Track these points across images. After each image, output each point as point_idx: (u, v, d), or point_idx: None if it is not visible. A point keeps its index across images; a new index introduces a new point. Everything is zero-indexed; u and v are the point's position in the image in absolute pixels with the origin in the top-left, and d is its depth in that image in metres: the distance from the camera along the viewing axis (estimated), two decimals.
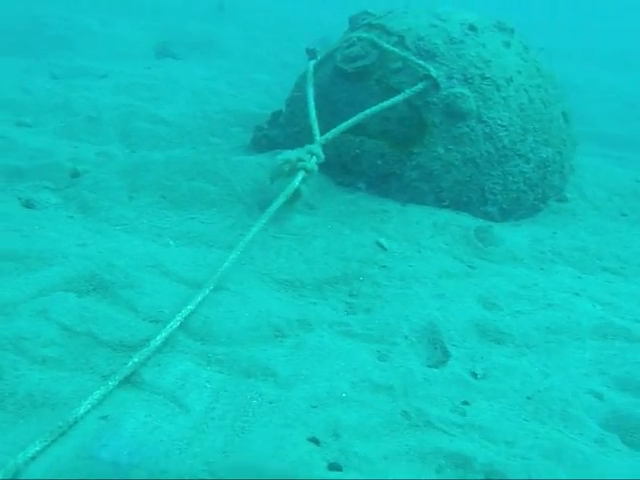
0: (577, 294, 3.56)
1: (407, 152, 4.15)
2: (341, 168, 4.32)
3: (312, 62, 4.79)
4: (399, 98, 4.10)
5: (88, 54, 8.11)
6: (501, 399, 2.70)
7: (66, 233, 3.43)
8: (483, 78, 4.22)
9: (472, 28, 4.42)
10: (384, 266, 3.62)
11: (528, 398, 2.73)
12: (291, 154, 3.90)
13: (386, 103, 4.10)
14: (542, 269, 3.81)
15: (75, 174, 4.16)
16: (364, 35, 4.48)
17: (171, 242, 3.65)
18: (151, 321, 2.83)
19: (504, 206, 4.24)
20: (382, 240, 3.78)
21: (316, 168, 3.89)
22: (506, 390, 2.76)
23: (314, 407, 2.48)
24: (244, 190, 4.11)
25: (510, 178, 4.22)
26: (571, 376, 2.89)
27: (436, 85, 4.14)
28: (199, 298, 2.92)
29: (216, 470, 2.09)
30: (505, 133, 4.18)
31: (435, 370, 2.83)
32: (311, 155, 3.90)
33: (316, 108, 4.38)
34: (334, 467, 2.22)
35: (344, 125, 4.09)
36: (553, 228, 4.27)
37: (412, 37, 4.36)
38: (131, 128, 5.37)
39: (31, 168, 4.23)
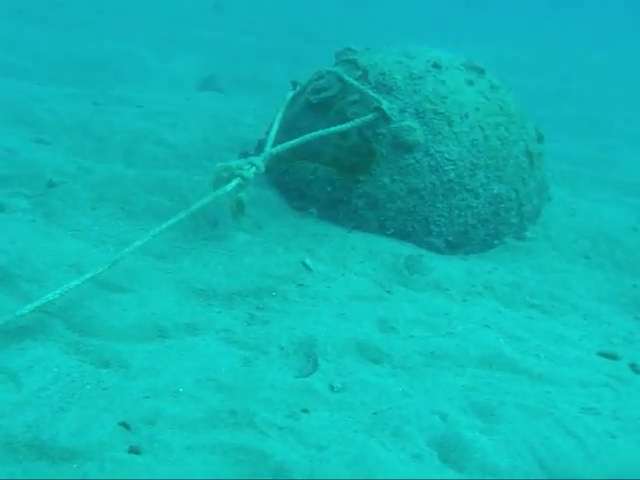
0: (487, 326, 3.57)
1: (354, 180, 4.29)
2: (297, 193, 4.51)
3: (290, 93, 5.04)
4: (347, 126, 4.27)
5: (137, 86, 8.63)
6: (344, 411, 2.78)
7: (8, 232, 3.77)
8: (436, 113, 4.32)
9: (436, 66, 4.54)
10: (301, 284, 3.75)
11: (374, 414, 2.80)
12: (233, 162, 4.12)
13: (333, 129, 4.28)
14: (465, 301, 3.84)
15: (51, 184, 4.53)
16: (332, 69, 4.69)
17: (111, 248, 3.92)
18: (40, 312, 3.07)
19: (450, 239, 4.29)
20: (308, 261, 3.92)
21: (252, 177, 4.07)
22: (355, 404, 2.84)
23: (146, 397, 2.65)
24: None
25: (456, 211, 4.27)
26: (432, 398, 2.93)
27: (386, 117, 4.28)
28: (76, 282, 3.13)
29: (12, 442, 2.30)
30: (452, 167, 4.25)
31: (294, 379, 2.94)
32: (251, 165, 4.10)
33: (284, 136, 4.60)
34: (133, 450, 2.38)
35: (289, 144, 4.31)
36: (497, 264, 4.27)
37: (375, 72, 4.53)
38: (136, 149, 5.74)
39: (15, 176, 4.64)
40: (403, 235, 4.27)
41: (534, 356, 3.36)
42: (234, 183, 4.02)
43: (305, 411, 2.74)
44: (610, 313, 3.98)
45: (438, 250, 4.28)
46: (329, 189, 4.37)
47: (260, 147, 5.35)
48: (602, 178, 7.39)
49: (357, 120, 4.28)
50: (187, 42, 11.11)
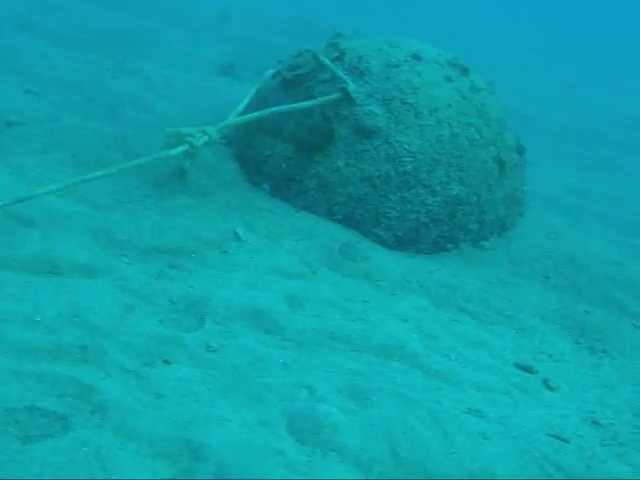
0: (405, 320, 3.39)
1: (309, 160, 4.14)
2: (254, 167, 4.38)
3: (272, 70, 4.93)
4: (308, 104, 4.14)
5: (157, 63, 8.56)
6: (209, 370, 2.64)
7: None
8: (403, 102, 4.16)
9: (415, 57, 4.38)
10: (225, 252, 3.61)
11: (241, 378, 2.63)
12: (185, 129, 4.02)
13: (293, 106, 4.15)
14: (393, 294, 3.64)
15: (10, 124, 4.49)
16: (310, 48, 4.56)
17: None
18: None
19: (399, 234, 4.10)
20: (239, 230, 3.78)
21: (201, 146, 3.97)
22: (224, 365, 2.69)
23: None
24: (149, 164, 4.24)
25: (409, 206, 4.09)
26: (309, 375, 2.76)
27: (350, 99, 4.13)
28: None
29: None
30: (410, 159, 4.07)
31: (167, 331, 2.79)
32: (203, 134, 4.00)
33: (255, 110, 4.50)
34: None
35: (247, 116, 4.23)
36: (442, 266, 4.06)
37: (352, 55, 4.39)
38: (120, 112, 5.68)
39: None
40: (351, 222, 4.09)
41: (442, 355, 3.16)
42: (180, 149, 3.92)
43: (166, 362, 2.60)
44: (549, 332, 3.73)
45: (385, 244, 4.09)
46: (284, 166, 4.23)
47: None
48: (611, 216, 7.08)
49: (320, 99, 4.15)
50: (218, 32, 11.12)
